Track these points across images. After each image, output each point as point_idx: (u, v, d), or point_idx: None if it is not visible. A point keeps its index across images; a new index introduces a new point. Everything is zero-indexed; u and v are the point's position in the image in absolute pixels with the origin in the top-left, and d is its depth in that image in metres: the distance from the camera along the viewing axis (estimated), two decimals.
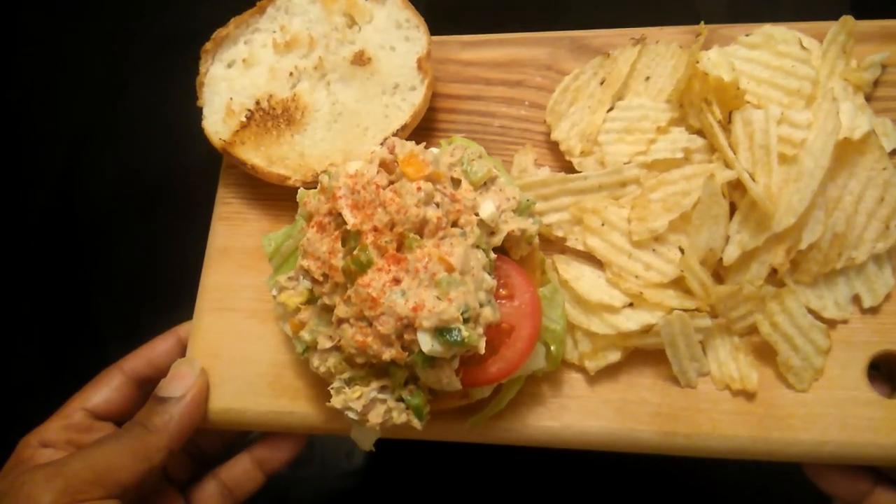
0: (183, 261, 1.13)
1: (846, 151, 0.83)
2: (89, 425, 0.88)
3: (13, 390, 1.46)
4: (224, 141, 0.98)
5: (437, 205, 0.76)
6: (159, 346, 0.96)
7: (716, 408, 0.83)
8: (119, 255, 1.54)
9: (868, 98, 0.92)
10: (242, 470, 0.95)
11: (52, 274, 1.55)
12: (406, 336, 0.73)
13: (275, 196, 1.00)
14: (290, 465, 1.30)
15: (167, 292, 1.38)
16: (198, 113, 1.02)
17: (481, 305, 0.74)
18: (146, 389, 0.92)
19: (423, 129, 1.00)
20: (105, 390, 0.91)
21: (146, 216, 1.55)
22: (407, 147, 0.79)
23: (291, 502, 1.29)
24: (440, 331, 0.71)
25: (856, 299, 0.85)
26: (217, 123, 0.99)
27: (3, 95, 1.74)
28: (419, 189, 0.75)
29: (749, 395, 0.83)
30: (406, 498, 1.27)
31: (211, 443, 1.03)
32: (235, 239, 1.01)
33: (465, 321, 0.72)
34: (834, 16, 1.47)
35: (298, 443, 0.96)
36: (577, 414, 0.85)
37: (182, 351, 0.96)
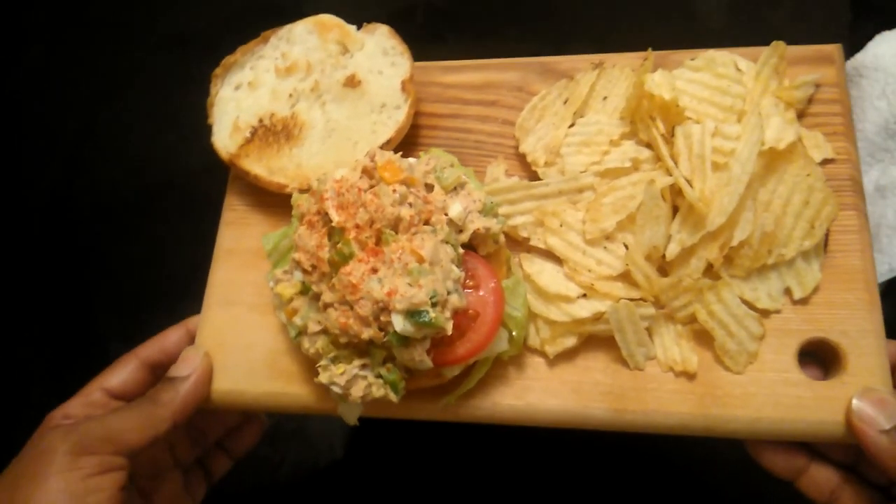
0: (182, 260, 1.17)
1: (774, 160, 0.93)
2: (106, 403, 0.98)
3: (13, 390, 1.52)
4: (230, 154, 1.10)
5: (411, 205, 0.87)
6: (171, 336, 1.07)
7: (661, 388, 0.92)
8: (119, 254, 1.60)
9: (803, 114, 1.02)
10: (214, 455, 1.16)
11: (51, 274, 1.60)
12: (382, 318, 0.82)
13: (275, 204, 1.12)
14: (285, 454, 1.39)
15: (166, 292, 1.48)
16: (198, 114, 1.13)
17: (449, 293, 0.84)
18: (158, 374, 1.03)
19: (407, 143, 1.11)
20: (122, 373, 1.01)
21: (147, 216, 1.62)
22: (385, 155, 0.91)
23: (279, 484, 1.38)
24: (411, 313, 0.81)
25: (787, 291, 0.94)
26: (225, 139, 1.12)
27: (5, 96, 1.80)
28: (395, 191, 0.86)
29: (690, 377, 0.92)
30: (394, 483, 1.34)
31: (214, 429, 1.15)
32: (240, 241, 1.12)
33: (434, 305, 0.82)
34: (833, 15, 1.60)
35: (258, 432, 1.20)
36: (539, 394, 0.94)
37: (191, 341, 1.06)
